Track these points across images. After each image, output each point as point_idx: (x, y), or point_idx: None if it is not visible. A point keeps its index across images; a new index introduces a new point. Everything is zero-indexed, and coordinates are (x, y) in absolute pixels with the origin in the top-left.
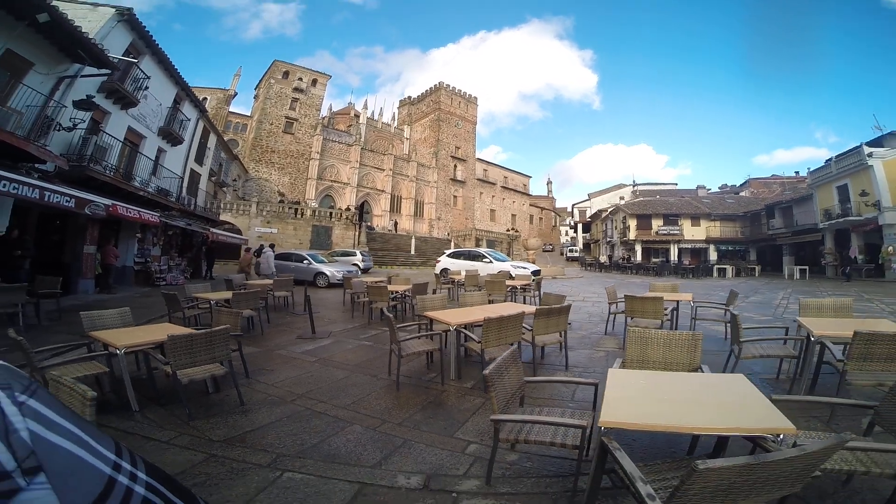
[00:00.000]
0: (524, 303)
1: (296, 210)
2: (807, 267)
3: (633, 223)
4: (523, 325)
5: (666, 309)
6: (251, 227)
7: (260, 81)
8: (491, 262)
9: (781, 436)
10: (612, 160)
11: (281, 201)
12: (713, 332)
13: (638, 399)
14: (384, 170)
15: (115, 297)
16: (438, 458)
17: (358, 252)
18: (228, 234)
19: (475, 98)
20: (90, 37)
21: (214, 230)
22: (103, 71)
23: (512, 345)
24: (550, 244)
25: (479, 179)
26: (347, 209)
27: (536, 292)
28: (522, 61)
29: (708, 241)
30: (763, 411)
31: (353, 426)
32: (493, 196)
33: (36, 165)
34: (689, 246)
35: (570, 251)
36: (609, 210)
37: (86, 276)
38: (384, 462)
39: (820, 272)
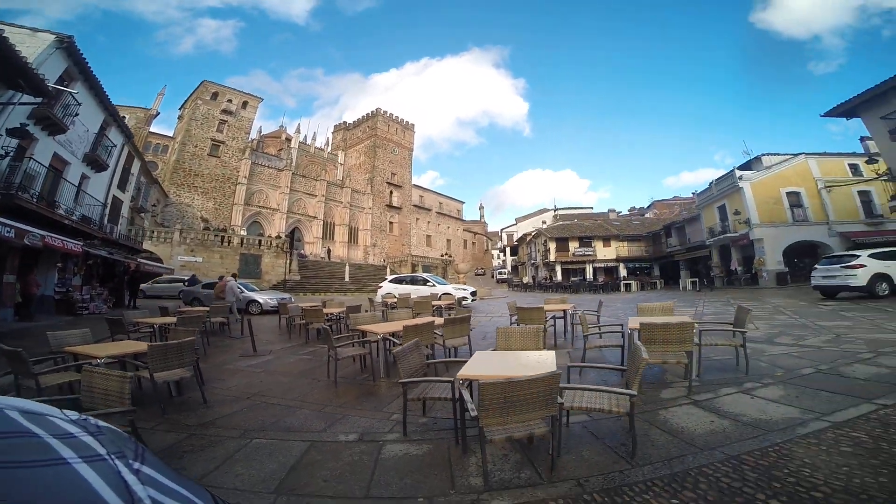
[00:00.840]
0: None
1: (222, 238)
2: (696, 280)
3: (552, 246)
4: (436, 332)
5: (549, 317)
6: (173, 256)
7: (186, 101)
8: (434, 285)
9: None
10: (541, 185)
11: (206, 228)
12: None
13: (484, 364)
14: (316, 195)
15: (38, 324)
16: (370, 423)
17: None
18: (154, 264)
19: (412, 125)
20: (31, 65)
21: (142, 259)
22: (37, 99)
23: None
24: (482, 268)
25: (415, 205)
26: (278, 237)
27: (452, 311)
28: (462, 88)
29: (618, 259)
30: (551, 367)
31: (302, 409)
32: (428, 222)
33: None
34: (602, 265)
35: (500, 273)
36: (532, 234)
37: (5, 304)
38: (328, 429)
39: (711, 283)
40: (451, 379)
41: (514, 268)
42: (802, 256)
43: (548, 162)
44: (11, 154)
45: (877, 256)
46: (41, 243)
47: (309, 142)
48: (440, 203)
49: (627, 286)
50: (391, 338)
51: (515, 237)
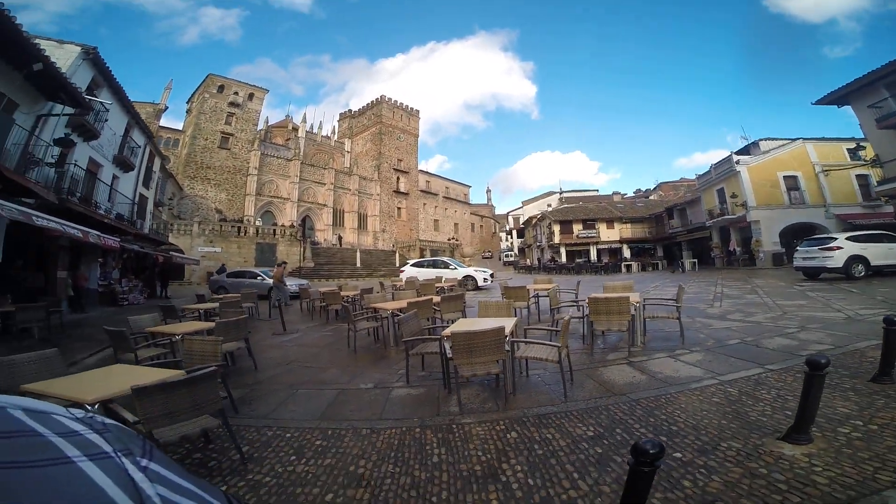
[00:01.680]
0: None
1: (239, 228)
2: (696, 260)
3: (557, 228)
4: (435, 307)
5: (533, 294)
6: (193, 247)
7: (193, 95)
8: (455, 268)
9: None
10: (550, 167)
11: (223, 219)
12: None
13: (463, 326)
14: (325, 184)
15: (90, 315)
16: (382, 377)
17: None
18: (182, 256)
19: (417, 111)
20: (70, 79)
21: (173, 252)
22: (76, 109)
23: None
24: (489, 251)
25: (421, 191)
26: (291, 226)
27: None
28: (469, 72)
29: (622, 241)
30: (511, 326)
31: (330, 370)
32: (435, 206)
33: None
34: (606, 246)
35: (507, 256)
36: (538, 217)
37: (59, 297)
38: (351, 381)
39: (711, 263)
40: (439, 336)
41: (521, 250)
42: (801, 238)
43: (557, 144)
44: (53, 160)
45: (854, 239)
46: (100, 242)
47: (315, 130)
48: (447, 188)
49: (628, 267)
50: (399, 313)
51: (522, 220)
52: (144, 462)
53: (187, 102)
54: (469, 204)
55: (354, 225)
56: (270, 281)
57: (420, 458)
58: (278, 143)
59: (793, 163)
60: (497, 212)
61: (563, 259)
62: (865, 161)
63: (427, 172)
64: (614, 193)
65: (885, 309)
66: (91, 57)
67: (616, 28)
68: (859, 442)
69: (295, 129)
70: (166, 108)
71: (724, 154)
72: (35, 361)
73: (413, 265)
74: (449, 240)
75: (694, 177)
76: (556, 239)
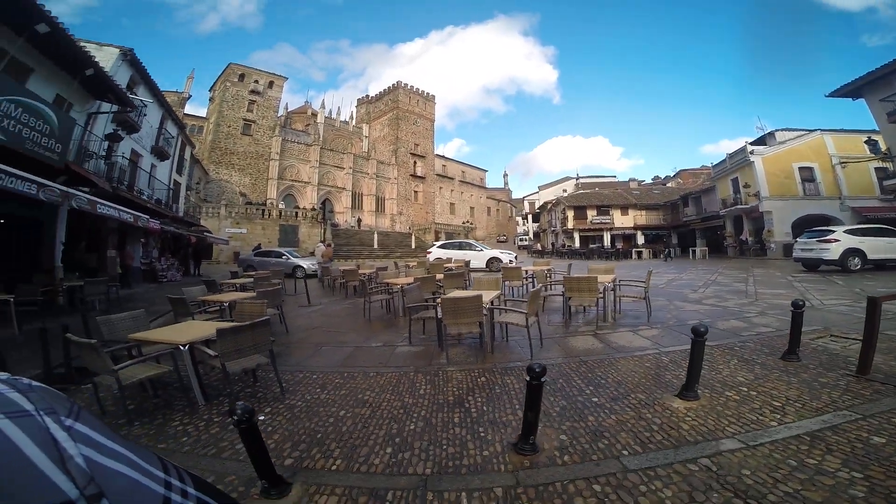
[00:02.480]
0: None
1: (263, 211)
2: (707, 248)
3: (570, 214)
4: (438, 283)
5: (529, 275)
6: (221, 229)
7: (215, 83)
8: (481, 250)
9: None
10: (570, 151)
11: (248, 203)
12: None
13: (456, 294)
14: (344, 168)
15: (136, 290)
16: (389, 338)
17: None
18: (214, 236)
19: (433, 96)
20: (116, 81)
21: (207, 233)
22: (121, 107)
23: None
24: (504, 235)
25: (438, 175)
26: (312, 209)
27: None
28: (488, 56)
29: (636, 227)
30: (492, 296)
31: (349, 333)
32: (451, 190)
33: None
34: (620, 232)
35: (521, 240)
36: (552, 202)
37: (109, 275)
38: (364, 342)
39: (723, 252)
40: (436, 304)
41: (537, 234)
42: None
43: (578, 129)
44: (103, 153)
45: (852, 232)
46: (147, 225)
47: (334, 116)
48: (463, 172)
49: (639, 254)
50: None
51: (537, 205)
52: (69, 422)
53: (210, 91)
54: (485, 188)
55: (372, 208)
56: (295, 260)
57: (410, 391)
58: (298, 129)
59: (809, 154)
60: (515, 196)
61: (577, 244)
62: (886, 154)
63: (443, 157)
64: (631, 180)
65: (854, 301)
66: (129, 58)
67: (643, 12)
68: (734, 403)
69: (314, 114)
70: (189, 96)
71: (750, 142)
72: (127, 319)
73: (440, 246)
74: (463, 223)
75: (710, 164)
76: (570, 224)
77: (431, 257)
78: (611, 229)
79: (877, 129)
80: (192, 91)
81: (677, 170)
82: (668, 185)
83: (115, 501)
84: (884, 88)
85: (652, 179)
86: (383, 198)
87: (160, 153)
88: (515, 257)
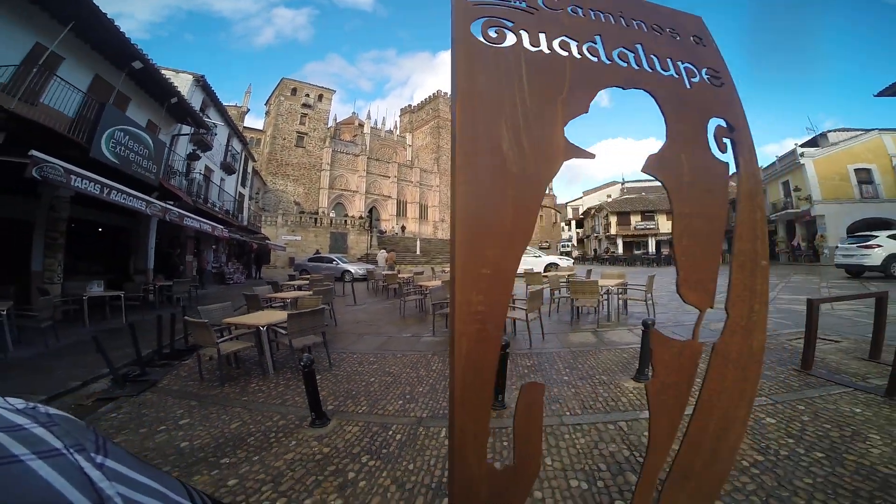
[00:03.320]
0: None
1: (315, 219)
2: None
3: (613, 220)
4: None
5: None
6: (278, 236)
7: (270, 97)
8: (540, 256)
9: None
10: (620, 154)
11: (301, 211)
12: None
13: None
14: (389, 177)
15: (210, 291)
16: (418, 330)
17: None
18: (272, 243)
19: None
20: (194, 107)
21: (267, 240)
22: (198, 129)
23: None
24: (547, 241)
25: None
26: (360, 217)
27: None
28: None
29: None
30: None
31: (386, 326)
32: None
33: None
34: (666, 238)
35: (563, 247)
36: (595, 208)
37: (192, 277)
38: (397, 333)
39: (775, 258)
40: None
41: (581, 240)
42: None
43: (629, 131)
44: (182, 171)
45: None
46: (222, 234)
47: (379, 126)
48: None
49: None
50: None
51: (581, 210)
52: (100, 459)
53: (266, 104)
54: None
55: (416, 215)
56: (344, 265)
57: (425, 367)
58: (346, 140)
59: (867, 155)
60: (563, 201)
61: (620, 250)
62: None
63: None
64: None
65: (864, 306)
66: (201, 84)
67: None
68: None
69: (361, 125)
70: (248, 110)
71: (800, 144)
72: (218, 310)
73: None
74: None
75: (762, 168)
76: (613, 230)
77: None
78: (655, 234)
79: None
80: (250, 104)
81: (734, 172)
82: None
83: None
84: None
85: None
86: (426, 205)
87: (228, 168)
88: (573, 262)
